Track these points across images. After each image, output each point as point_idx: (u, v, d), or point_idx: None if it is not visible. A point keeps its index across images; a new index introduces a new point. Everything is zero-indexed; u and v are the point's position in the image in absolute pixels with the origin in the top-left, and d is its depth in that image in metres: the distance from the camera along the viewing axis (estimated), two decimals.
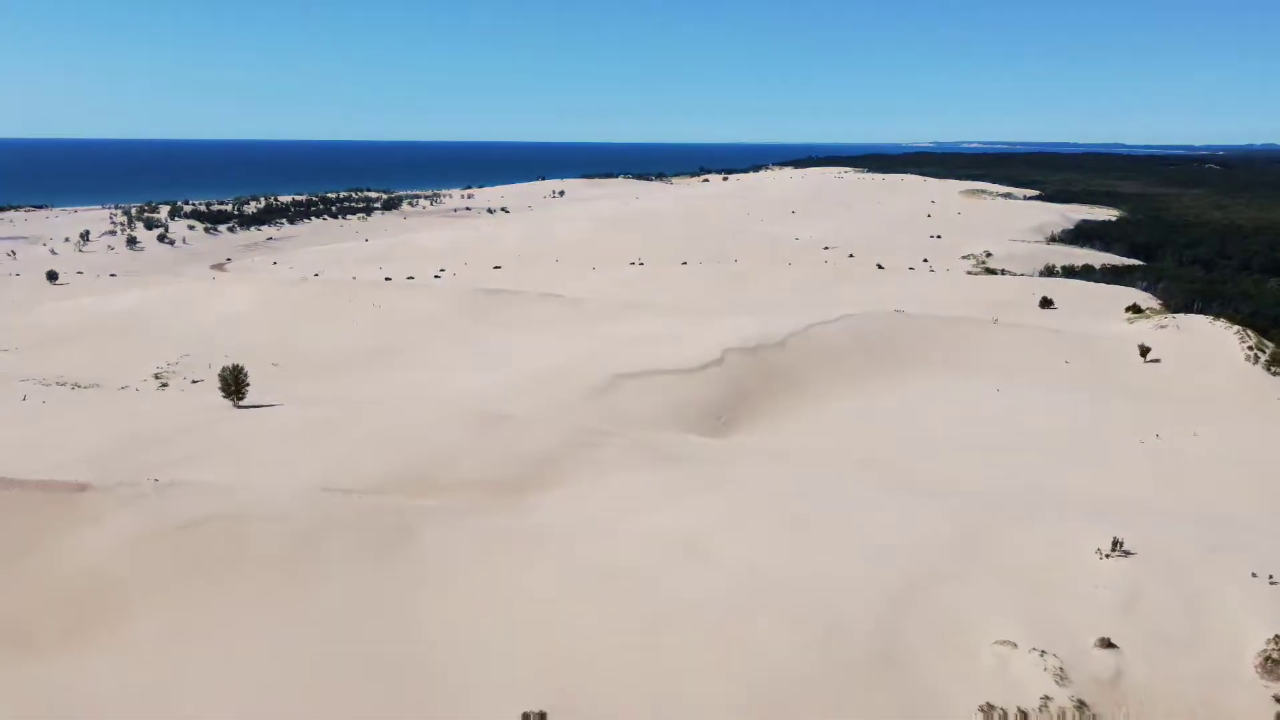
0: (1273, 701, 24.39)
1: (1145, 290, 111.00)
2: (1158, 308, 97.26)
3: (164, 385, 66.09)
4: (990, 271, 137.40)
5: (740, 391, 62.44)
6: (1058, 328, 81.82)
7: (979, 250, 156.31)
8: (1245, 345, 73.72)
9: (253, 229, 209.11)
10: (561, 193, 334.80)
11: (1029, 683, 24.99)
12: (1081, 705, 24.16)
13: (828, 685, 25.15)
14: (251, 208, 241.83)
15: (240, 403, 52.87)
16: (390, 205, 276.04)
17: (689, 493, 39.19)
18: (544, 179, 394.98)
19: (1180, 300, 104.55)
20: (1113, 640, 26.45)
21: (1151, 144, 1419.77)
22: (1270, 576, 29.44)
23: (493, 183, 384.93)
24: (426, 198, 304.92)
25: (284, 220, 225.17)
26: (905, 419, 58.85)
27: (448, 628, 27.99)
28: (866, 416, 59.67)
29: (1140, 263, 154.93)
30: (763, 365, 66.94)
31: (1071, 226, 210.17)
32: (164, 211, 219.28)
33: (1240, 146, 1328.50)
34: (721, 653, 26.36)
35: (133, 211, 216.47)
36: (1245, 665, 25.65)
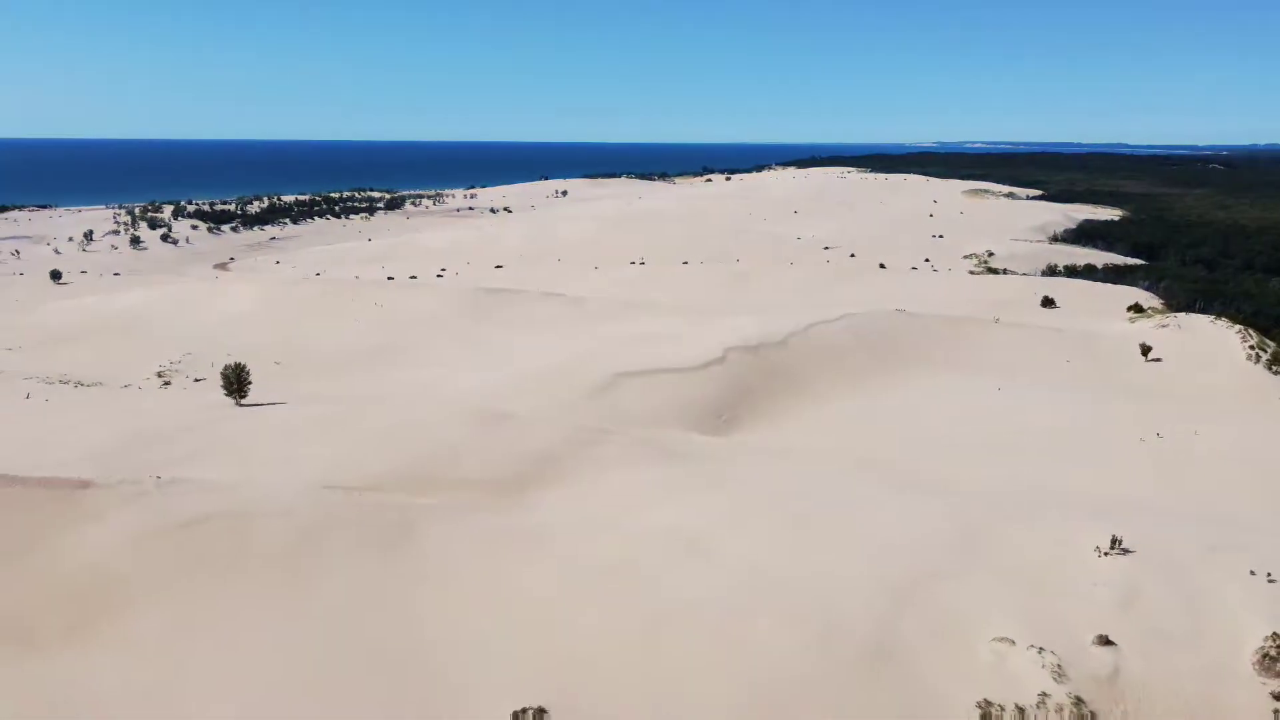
0: (1270, 698, 24.46)
1: (1147, 290, 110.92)
2: (1160, 307, 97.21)
3: (166, 384, 66.29)
4: (992, 271, 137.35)
5: (742, 390, 62.50)
6: (1059, 327, 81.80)
7: (981, 250, 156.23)
8: (1247, 345, 73.69)
9: (256, 229, 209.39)
10: (564, 193, 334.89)
11: (1027, 679, 25.07)
12: (1079, 702, 24.24)
13: (827, 683, 25.23)
14: (255, 207, 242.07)
15: (242, 401, 53.04)
16: (393, 205, 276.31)
17: (690, 491, 39.26)
18: (547, 179, 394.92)
19: (1182, 300, 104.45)
20: (1111, 637, 26.54)
21: (1155, 144, 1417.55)
22: (1269, 574, 29.50)
23: (495, 183, 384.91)
24: (429, 197, 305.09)
25: (287, 220, 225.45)
26: (906, 418, 58.89)
27: (449, 625, 28.09)
28: (868, 415, 59.72)
29: (1143, 262, 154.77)
30: (764, 364, 67.00)
31: (1074, 226, 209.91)
32: (167, 211, 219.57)
33: (1244, 146, 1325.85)
34: (722, 651, 26.44)
35: (136, 211, 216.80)
36: (1243, 662, 25.72)
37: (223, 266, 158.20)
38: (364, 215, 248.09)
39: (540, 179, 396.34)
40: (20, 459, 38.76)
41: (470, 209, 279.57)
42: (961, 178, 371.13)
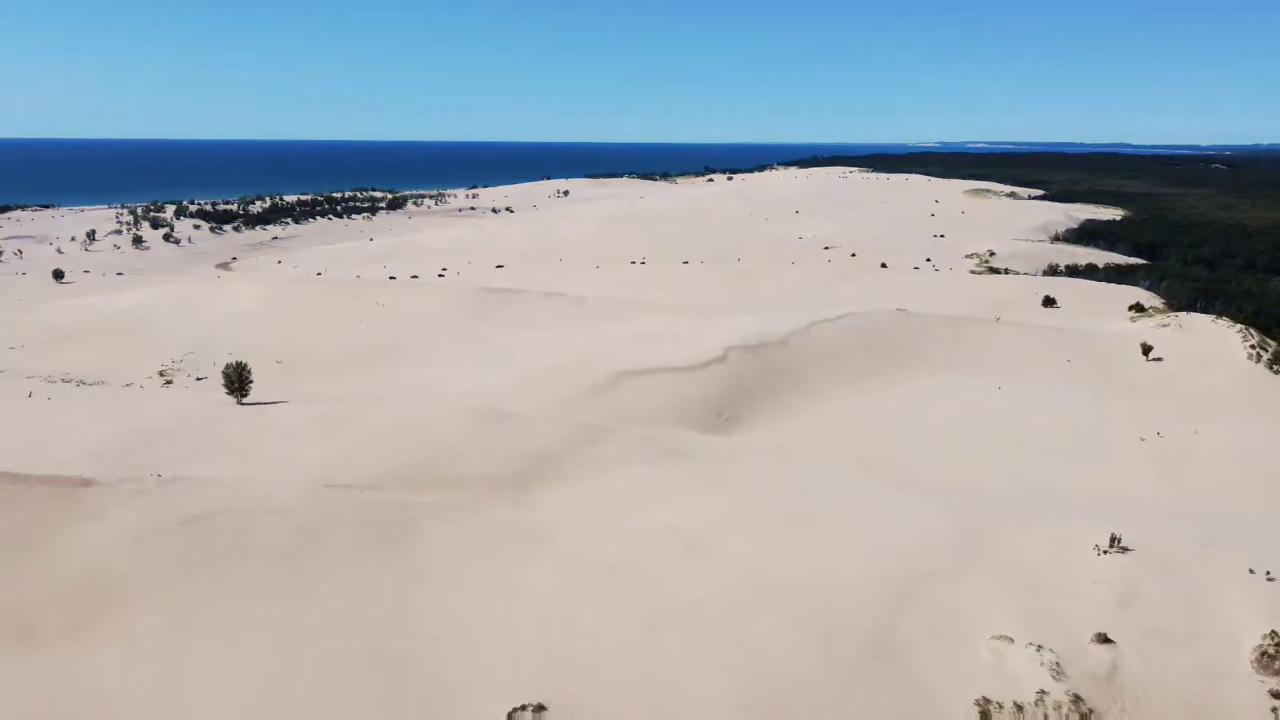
0: (1268, 696, 24.52)
1: (1149, 289, 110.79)
2: (1161, 307, 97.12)
3: (168, 383, 66.41)
4: (993, 271, 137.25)
5: (742, 389, 62.54)
6: (1060, 326, 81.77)
7: (982, 249, 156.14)
8: (1248, 344, 73.66)
9: (258, 228, 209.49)
10: (566, 192, 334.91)
11: (1025, 677, 25.14)
12: (1077, 699, 24.32)
13: (827, 682, 25.30)
14: (257, 207, 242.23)
15: (244, 400, 53.13)
16: (395, 205, 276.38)
17: (690, 490, 39.32)
18: (549, 179, 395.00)
19: (1183, 299, 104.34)
20: (1109, 635, 26.61)
21: (1158, 144, 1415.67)
22: (1268, 573, 29.56)
23: (497, 182, 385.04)
24: (431, 197, 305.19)
25: (289, 220, 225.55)
26: (907, 417, 58.91)
27: (449, 623, 28.16)
28: (868, 415, 59.74)
29: (1144, 262, 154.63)
30: (765, 363, 67.04)
31: (1076, 226, 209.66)
32: (170, 211, 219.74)
33: (1247, 146, 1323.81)
34: (722, 651, 26.50)
35: (138, 211, 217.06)
36: (1241, 660, 25.77)
37: (225, 266, 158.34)
38: (366, 215, 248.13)
39: (542, 179, 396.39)
40: (22, 457, 38.85)
41: (472, 209, 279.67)
42: (963, 177, 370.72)
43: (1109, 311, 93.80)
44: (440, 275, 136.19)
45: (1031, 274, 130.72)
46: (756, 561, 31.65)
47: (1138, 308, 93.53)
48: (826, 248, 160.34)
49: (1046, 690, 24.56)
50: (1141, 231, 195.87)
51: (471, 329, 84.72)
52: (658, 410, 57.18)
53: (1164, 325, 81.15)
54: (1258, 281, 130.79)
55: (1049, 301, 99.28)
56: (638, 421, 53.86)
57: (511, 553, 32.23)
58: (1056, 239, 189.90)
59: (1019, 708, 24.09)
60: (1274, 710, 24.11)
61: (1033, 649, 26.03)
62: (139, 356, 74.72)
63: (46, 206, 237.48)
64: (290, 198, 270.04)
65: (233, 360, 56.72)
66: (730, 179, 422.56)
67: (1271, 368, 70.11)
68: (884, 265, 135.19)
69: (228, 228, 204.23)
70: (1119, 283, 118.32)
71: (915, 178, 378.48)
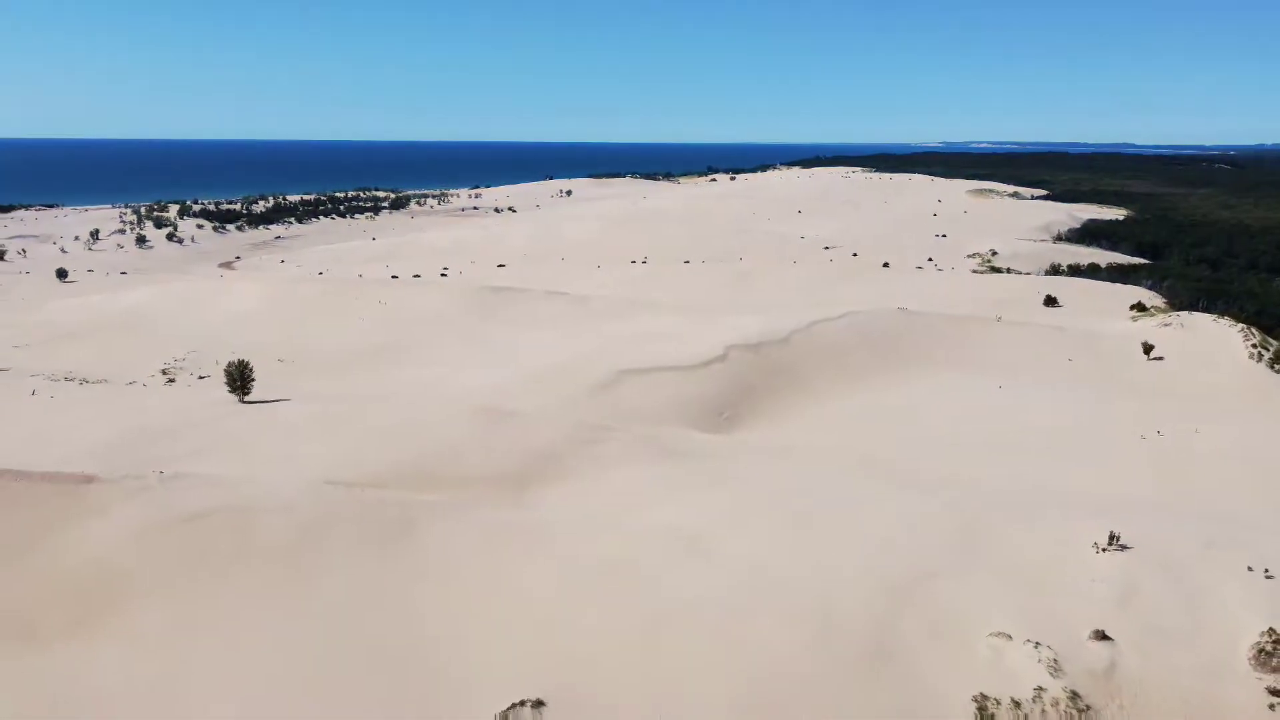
0: (1266, 693, 24.56)
1: (1151, 289, 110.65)
2: (1162, 306, 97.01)
3: (171, 381, 66.59)
4: (996, 270, 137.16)
5: (743, 388, 62.61)
6: (1062, 326, 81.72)
7: (985, 249, 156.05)
8: (1249, 343, 73.61)
9: (261, 228, 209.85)
10: (569, 192, 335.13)
11: (1023, 674, 25.22)
12: (1075, 696, 24.39)
13: (826, 681, 25.38)
14: (260, 207, 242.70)
15: (246, 398, 53.29)
16: (398, 205, 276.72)
17: (691, 488, 39.41)
18: (551, 179, 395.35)
19: (1185, 299, 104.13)
20: (1108, 633, 26.67)
21: (1162, 144, 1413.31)
22: (1266, 571, 29.60)
23: (500, 182, 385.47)
24: (434, 197, 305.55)
25: (292, 219, 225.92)
26: (908, 416, 58.94)
27: (449, 621, 28.26)
28: (869, 414, 59.77)
29: (1146, 261, 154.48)
30: (766, 362, 67.09)
31: (1078, 226, 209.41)
32: (173, 210, 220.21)
33: (1251, 146, 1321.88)
34: (721, 649, 26.58)
35: (142, 211, 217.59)
36: (1239, 658, 25.83)
37: (228, 265, 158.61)
38: (369, 215, 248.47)
39: (545, 179, 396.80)
40: (25, 454, 39.04)
41: (475, 209, 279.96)
42: (966, 177, 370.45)
43: (1111, 311, 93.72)
44: (443, 274, 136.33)
45: (1034, 274, 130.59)
46: (757, 560, 31.72)
47: (1139, 307, 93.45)
48: (827, 248, 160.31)
49: (1044, 687, 24.63)
50: (1144, 231, 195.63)
51: (474, 328, 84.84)
52: (659, 409, 57.27)
53: (1165, 325, 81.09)
54: (1260, 281, 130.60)
55: (1051, 301, 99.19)
56: (639, 420, 53.96)
57: (512, 551, 32.33)
58: (1059, 239, 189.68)
59: (1016, 704, 24.18)
60: (1271, 707, 24.16)
61: (1031, 646, 26.10)
62: (142, 355, 74.90)
63: (50, 206, 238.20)
64: (293, 197, 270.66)
65: (235, 359, 56.84)
66: (733, 179, 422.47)
67: (1273, 367, 70.07)
68: (886, 265, 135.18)
69: (231, 227, 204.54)
70: (1121, 282, 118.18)
71: (918, 178, 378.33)
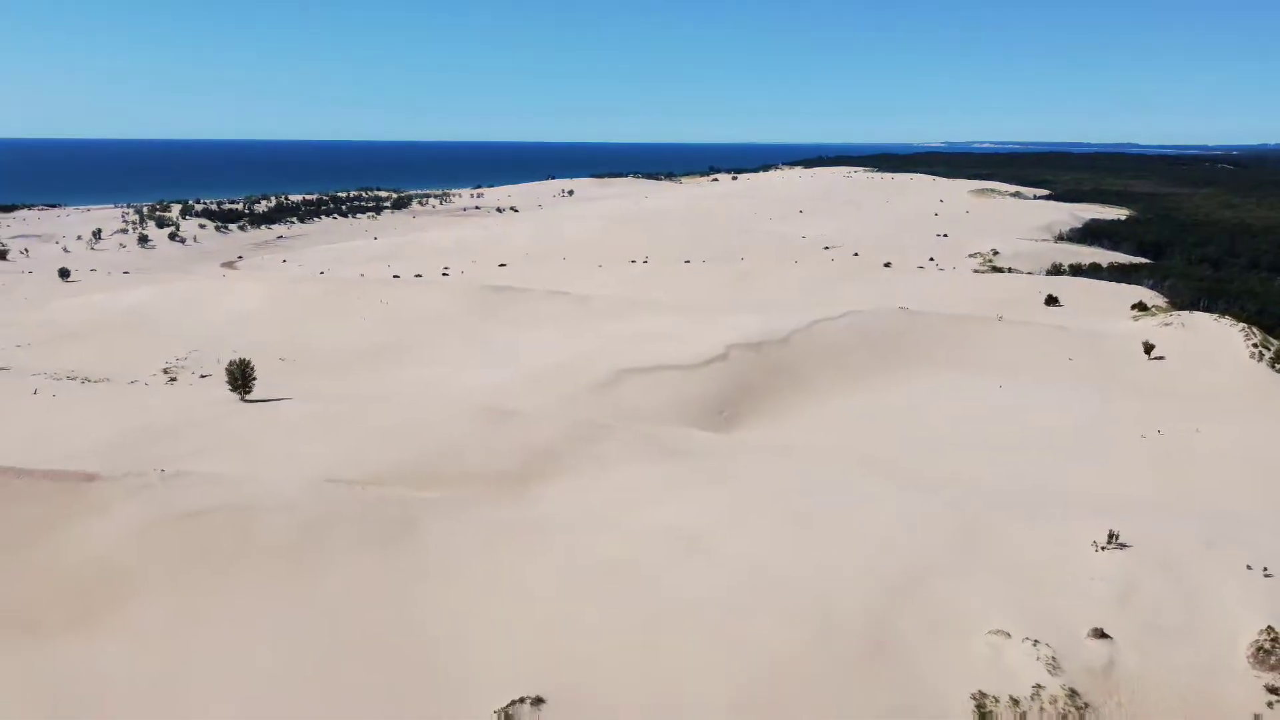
0: (1264, 691, 24.59)
1: (1152, 288, 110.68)
2: (1164, 306, 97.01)
3: (173, 380, 66.70)
4: (997, 270, 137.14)
5: (743, 387, 62.67)
6: (1063, 325, 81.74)
7: (986, 249, 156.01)
8: (1250, 343, 73.63)
9: (263, 227, 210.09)
10: (571, 192, 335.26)
11: (1022, 672, 25.26)
12: (1073, 694, 24.43)
13: (825, 679, 25.44)
14: (262, 206, 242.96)
15: (247, 397, 53.39)
16: (400, 204, 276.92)
17: (691, 487, 39.47)
18: (553, 178, 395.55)
19: (1187, 298, 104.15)
20: (1106, 631, 26.71)
21: (1165, 144, 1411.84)
22: (1265, 569, 29.62)
23: (501, 182, 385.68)
24: (436, 197, 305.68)
25: (294, 219, 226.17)
26: (909, 416, 58.99)
27: (449, 618, 28.33)
28: (870, 413, 59.82)
29: (1148, 261, 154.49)
30: (766, 361, 67.15)
31: (1080, 225, 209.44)
32: (175, 210, 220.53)
33: (1254, 146, 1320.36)
34: (721, 648, 26.63)
35: (144, 210, 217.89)
36: (1237, 656, 25.86)
37: (230, 265, 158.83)
38: (371, 214, 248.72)
39: (547, 179, 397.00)
40: (27, 453, 39.15)
41: (476, 208, 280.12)
42: (968, 177, 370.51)
43: (1112, 310, 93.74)
44: (444, 274, 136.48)
45: (1035, 273, 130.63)
46: (757, 559, 31.77)
47: (1141, 307, 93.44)
48: (827, 248, 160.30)
49: (1042, 684, 24.68)
50: (1146, 231, 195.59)
51: (475, 327, 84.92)
52: (659, 408, 57.35)
53: (1166, 324, 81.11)
54: (1261, 281, 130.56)
55: (1052, 300, 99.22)
56: (639, 419, 54.03)
57: (512, 549, 32.39)
58: (1061, 238, 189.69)
59: (1015, 702, 24.22)
60: (1270, 704, 24.19)
61: (1029, 644, 26.15)
62: (144, 354, 75.00)
63: (53, 206, 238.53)
64: (295, 197, 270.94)
65: (236, 358, 56.95)
66: (735, 179, 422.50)
67: (1273, 366, 70.07)
68: (888, 265, 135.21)
69: (233, 227, 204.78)
70: (1123, 282, 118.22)
71: (920, 177, 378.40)
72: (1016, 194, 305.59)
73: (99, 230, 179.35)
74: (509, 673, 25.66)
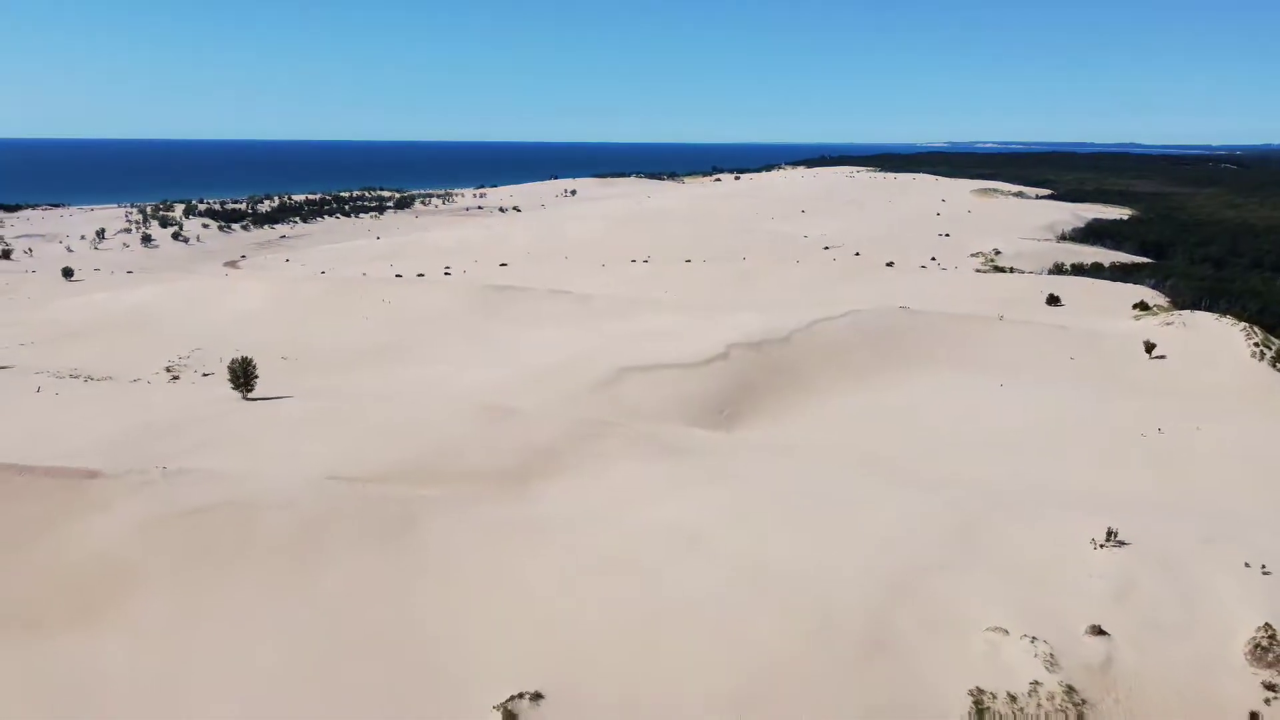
0: (1261, 688, 24.67)
1: (1154, 288, 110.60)
2: (1165, 305, 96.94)
3: (175, 378, 66.85)
4: (999, 269, 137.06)
5: (744, 386, 62.70)
6: (1064, 324, 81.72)
7: (988, 248, 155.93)
8: (1251, 342, 73.58)
9: (266, 227, 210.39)
10: (573, 192, 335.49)
11: (1019, 668, 25.34)
12: (1070, 690, 24.50)
13: (823, 675, 25.52)
14: (265, 206, 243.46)
15: (249, 395, 53.54)
16: (403, 204, 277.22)
17: (692, 485, 39.56)
18: (556, 178, 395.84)
19: (1188, 297, 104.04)
20: (1104, 628, 26.80)
21: (1168, 144, 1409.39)
22: (1263, 567, 29.70)
23: (504, 182, 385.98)
24: (439, 197, 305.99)
25: (297, 219, 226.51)
26: (909, 415, 59.00)
27: (449, 615, 28.41)
28: (870, 412, 59.84)
29: (1150, 261, 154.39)
30: (767, 360, 67.18)
31: (1083, 225, 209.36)
32: (179, 210, 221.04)
33: (1258, 146, 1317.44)
34: (720, 644, 26.72)
35: (147, 210, 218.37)
36: (1235, 653, 25.94)
37: (233, 264, 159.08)
38: (373, 214, 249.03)
39: (550, 179, 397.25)
40: (29, 450, 39.30)
41: (479, 208, 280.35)
42: (971, 177, 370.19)
43: (1113, 310, 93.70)
44: (446, 273, 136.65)
45: (1037, 273, 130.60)
46: (757, 557, 31.87)
47: (1142, 306, 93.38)
48: (827, 248, 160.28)
49: (1040, 681, 24.76)
50: (1148, 230, 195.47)
51: (476, 326, 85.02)
52: (660, 406, 57.41)
53: (1168, 324, 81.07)
54: (1263, 280, 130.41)
55: (1053, 300, 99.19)
56: (640, 418, 54.12)
57: (513, 546, 32.48)
58: (1063, 238, 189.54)
59: (1013, 698, 24.30)
60: (1267, 701, 24.26)
61: (1027, 641, 26.23)
62: (146, 353, 75.17)
63: (56, 205, 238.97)
64: (299, 197, 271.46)
65: (239, 356, 57.10)
66: (738, 179, 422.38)
67: (1275, 366, 70.03)
68: (890, 264, 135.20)
69: (236, 226, 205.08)
70: (1125, 281, 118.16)
71: (922, 177, 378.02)
72: (1019, 194, 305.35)
73: (102, 230, 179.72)
74: (508, 669, 25.74)
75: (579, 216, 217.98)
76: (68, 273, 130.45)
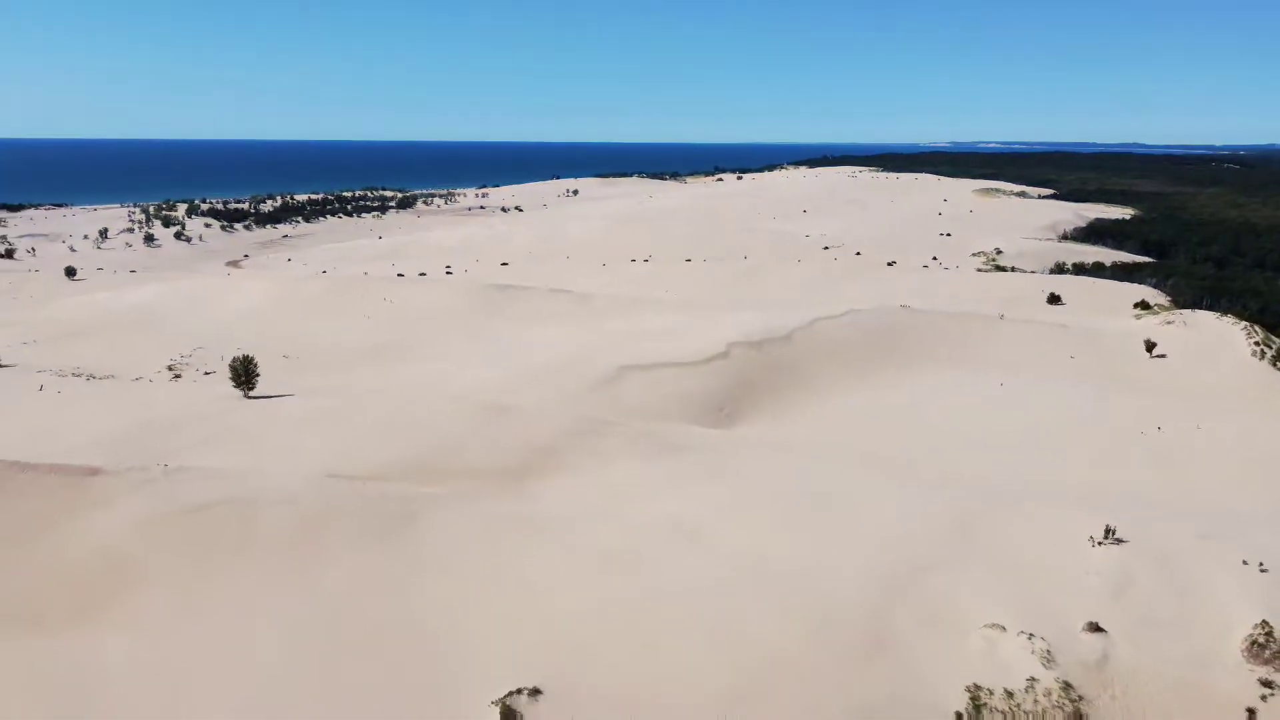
0: (1258, 685, 24.74)
1: (1155, 287, 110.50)
2: (1166, 304, 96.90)
3: (177, 377, 67.01)
4: (1000, 269, 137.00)
5: (744, 384, 62.79)
6: (1065, 323, 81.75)
7: (990, 248, 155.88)
8: (1252, 341, 73.59)
9: (269, 226, 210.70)
10: (575, 192, 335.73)
11: (1016, 665, 25.43)
12: (1067, 686, 24.59)
13: (821, 671, 25.62)
14: (268, 206, 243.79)
15: (250, 393, 53.68)
16: (405, 204, 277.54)
17: (691, 482, 39.66)
18: (558, 178, 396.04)
19: (1190, 297, 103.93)
20: (1101, 624, 26.88)
21: (1171, 144, 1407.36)
22: (1261, 564, 29.77)
23: (506, 182, 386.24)
24: (441, 196, 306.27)
25: (300, 218, 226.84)
26: (909, 413, 59.06)
27: (448, 611, 28.53)
28: (870, 411, 59.92)
29: (1152, 260, 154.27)
30: (767, 359, 67.27)
31: (1085, 224, 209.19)
32: (181, 209, 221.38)
33: (1261, 146, 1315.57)
34: (719, 639, 26.82)
35: (150, 210, 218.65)
36: (1231, 649, 26.01)
37: (235, 263, 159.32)
38: (376, 214, 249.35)
39: (552, 178, 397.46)
40: (31, 447, 39.45)
41: (481, 208, 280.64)
42: (973, 177, 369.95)
43: (1114, 309, 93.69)
44: (447, 273, 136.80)
45: (1039, 272, 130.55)
46: (756, 553, 31.98)
47: (1143, 305, 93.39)
48: (827, 247, 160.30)
49: (1037, 677, 24.84)
50: (1150, 230, 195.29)
51: (477, 325, 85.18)
52: (660, 405, 57.52)
53: (1168, 322, 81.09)
54: (1264, 280, 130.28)
55: (1054, 299, 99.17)
56: (640, 416, 54.23)
57: (512, 542, 32.61)
58: (1065, 237, 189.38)
59: (1009, 694, 24.38)
60: (1263, 698, 24.33)
61: (1024, 637, 26.32)
62: (148, 351, 75.35)
63: (59, 205, 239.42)
64: (301, 197, 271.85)
65: (240, 354, 57.25)
66: (740, 178, 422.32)
67: (1275, 365, 70.04)
68: (891, 263, 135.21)
69: (239, 226, 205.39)
70: (1126, 281, 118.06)
71: (925, 177, 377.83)
72: (1021, 193, 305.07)
73: (105, 229, 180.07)
74: (507, 664, 25.85)
75: (581, 216, 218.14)
76: (70, 272, 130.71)
